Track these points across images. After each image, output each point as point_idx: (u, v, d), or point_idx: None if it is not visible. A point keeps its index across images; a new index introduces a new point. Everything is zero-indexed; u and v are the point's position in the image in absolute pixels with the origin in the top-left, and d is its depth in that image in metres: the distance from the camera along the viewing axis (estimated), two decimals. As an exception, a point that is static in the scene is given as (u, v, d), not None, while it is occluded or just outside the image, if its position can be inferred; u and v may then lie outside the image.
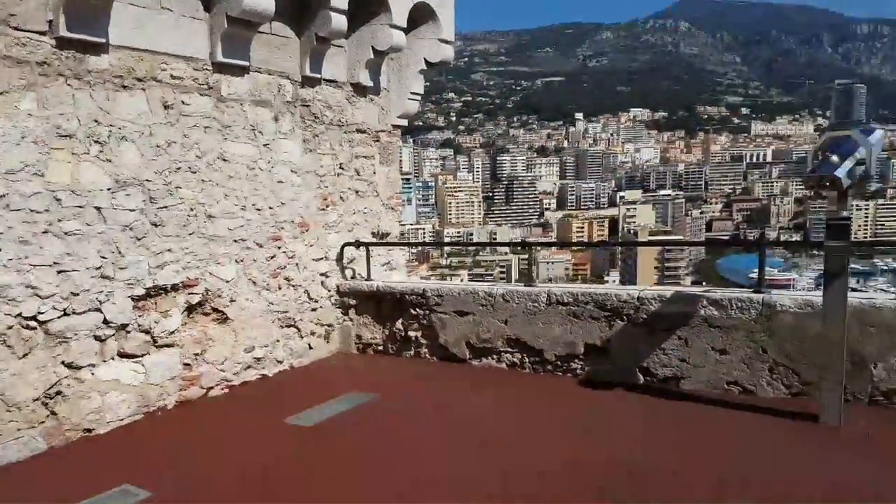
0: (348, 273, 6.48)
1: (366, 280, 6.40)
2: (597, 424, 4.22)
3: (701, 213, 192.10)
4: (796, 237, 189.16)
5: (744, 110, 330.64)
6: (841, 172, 3.69)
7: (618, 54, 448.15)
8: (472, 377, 5.43)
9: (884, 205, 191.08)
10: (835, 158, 3.79)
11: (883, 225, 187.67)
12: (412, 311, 5.99)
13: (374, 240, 6.78)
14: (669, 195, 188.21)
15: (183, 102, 4.77)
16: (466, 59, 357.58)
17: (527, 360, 5.41)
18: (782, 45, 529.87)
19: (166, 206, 4.67)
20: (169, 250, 4.71)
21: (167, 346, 4.72)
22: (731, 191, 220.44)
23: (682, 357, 4.75)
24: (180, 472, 3.66)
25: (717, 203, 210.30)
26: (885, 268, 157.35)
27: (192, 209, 4.87)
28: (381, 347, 6.28)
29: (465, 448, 3.89)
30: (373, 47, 6.25)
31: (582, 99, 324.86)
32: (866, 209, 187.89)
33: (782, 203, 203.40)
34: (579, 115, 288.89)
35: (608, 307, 5.01)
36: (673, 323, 4.76)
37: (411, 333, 6.02)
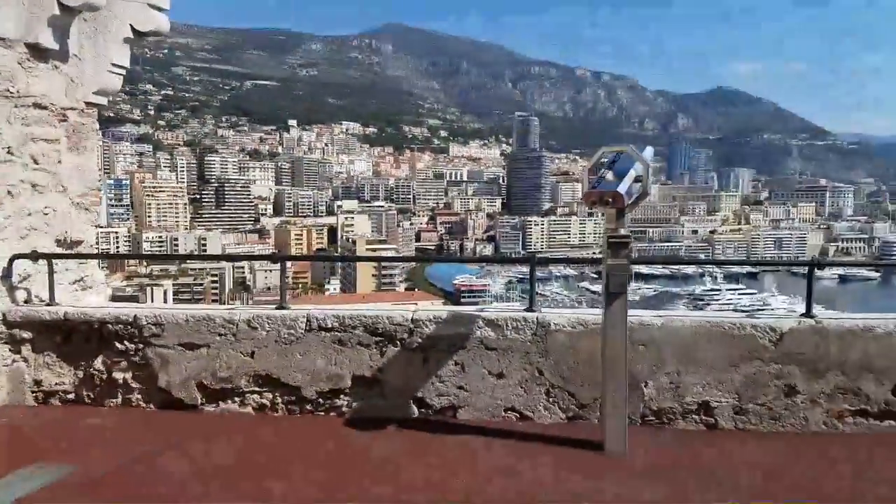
0: (21, 295, 4.75)
1: (48, 304, 4.74)
2: (362, 472, 3.52)
3: (411, 224, 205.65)
4: (489, 247, 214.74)
5: (443, 133, 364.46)
6: (622, 189, 3.58)
7: (329, 66, 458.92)
8: (205, 427, 4.27)
9: (556, 221, 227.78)
10: (610, 176, 3.68)
11: (554, 238, 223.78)
12: (118, 344, 4.56)
13: (59, 250, 5.11)
14: (383, 206, 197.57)
15: None
16: (166, 50, 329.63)
17: (280, 400, 4.44)
18: (474, 78, 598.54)
19: None
20: None
21: None
22: (435, 205, 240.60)
23: (460, 384, 4.29)
24: None
25: (423, 216, 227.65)
26: (559, 274, 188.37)
27: None
28: (71, 396, 4.68)
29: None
30: (59, 1, 4.70)
31: (295, 106, 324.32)
32: (541, 224, 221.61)
33: (477, 217, 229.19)
34: (293, 122, 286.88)
35: (380, 331, 4.33)
36: (450, 346, 4.28)
37: (118, 375, 4.58)
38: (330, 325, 4.36)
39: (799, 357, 4.03)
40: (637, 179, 3.71)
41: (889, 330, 3.97)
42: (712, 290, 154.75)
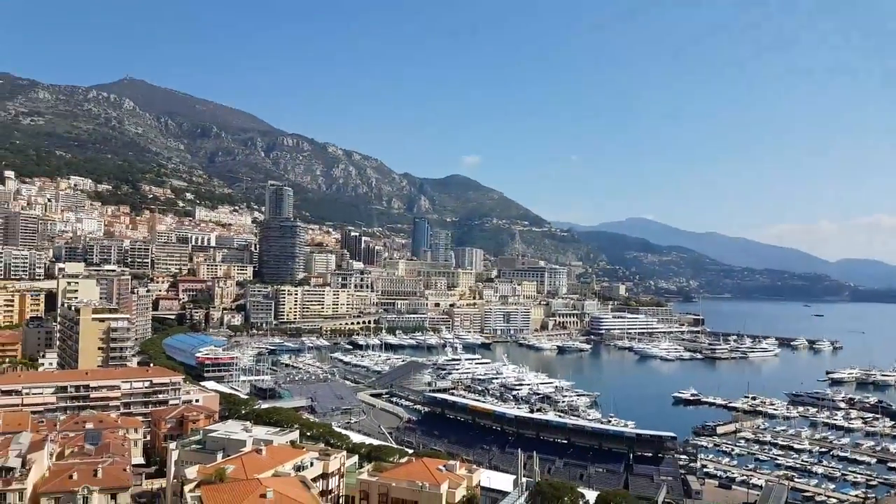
0: None
1: None
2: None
3: (147, 291, 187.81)
4: (238, 316, 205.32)
5: (188, 195, 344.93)
6: None
7: (57, 117, 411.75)
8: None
9: (309, 290, 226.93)
10: None
11: (308, 308, 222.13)
12: None
13: None
14: (115, 270, 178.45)
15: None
16: None
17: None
18: (223, 142, 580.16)
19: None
20: None
21: None
22: (177, 270, 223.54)
23: None
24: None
25: (163, 282, 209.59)
26: (311, 345, 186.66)
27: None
28: None
29: None
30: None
31: (14, 156, 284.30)
32: (295, 293, 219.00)
33: (226, 285, 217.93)
34: (10, 174, 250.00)
35: None
36: None
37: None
38: None
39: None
40: None
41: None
42: (453, 360, 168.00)
